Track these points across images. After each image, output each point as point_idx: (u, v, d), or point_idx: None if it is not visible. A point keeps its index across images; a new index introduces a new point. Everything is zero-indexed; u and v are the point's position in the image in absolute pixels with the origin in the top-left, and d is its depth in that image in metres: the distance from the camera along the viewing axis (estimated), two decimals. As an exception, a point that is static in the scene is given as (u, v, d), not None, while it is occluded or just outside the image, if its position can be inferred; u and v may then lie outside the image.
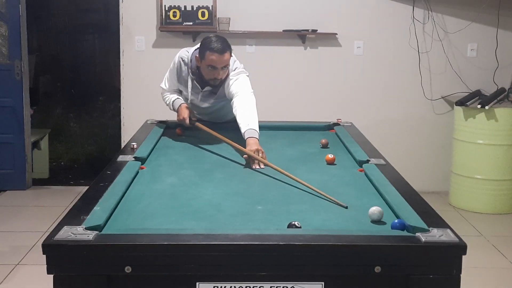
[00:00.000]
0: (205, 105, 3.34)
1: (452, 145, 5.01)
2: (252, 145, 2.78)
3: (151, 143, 2.98)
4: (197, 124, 3.25)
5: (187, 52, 3.29)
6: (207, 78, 3.15)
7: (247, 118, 3.00)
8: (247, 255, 1.67)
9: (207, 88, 3.25)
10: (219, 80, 3.15)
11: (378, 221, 1.93)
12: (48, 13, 8.10)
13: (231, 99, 3.17)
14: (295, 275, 1.69)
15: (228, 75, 3.20)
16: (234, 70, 3.23)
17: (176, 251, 1.66)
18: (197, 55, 3.13)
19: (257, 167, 2.66)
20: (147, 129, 3.36)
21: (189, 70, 3.24)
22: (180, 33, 5.04)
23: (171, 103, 3.39)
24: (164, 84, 3.46)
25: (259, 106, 5.23)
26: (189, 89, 3.29)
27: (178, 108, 3.31)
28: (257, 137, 2.87)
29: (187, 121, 3.24)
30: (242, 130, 2.92)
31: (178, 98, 3.36)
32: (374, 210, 1.94)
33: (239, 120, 3.01)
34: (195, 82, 3.26)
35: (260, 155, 2.71)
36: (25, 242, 3.93)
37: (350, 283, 1.72)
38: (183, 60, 3.28)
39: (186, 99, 3.37)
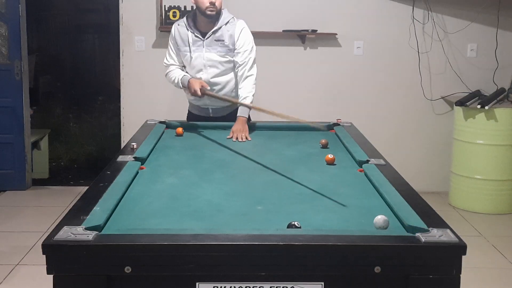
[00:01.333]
0: (213, 57, 3.52)
1: (452, 145, 5.01)
2: (237, 124, 3.36)
3: (151, 143, 2.98)
4: (208, 92, 3.45)
5: (178, 21, 3.62)
6: (204, 9, 3.41)
7: (243, 93, 3.53)
8: (247, 255, 1.67)
9: (209, 35, 3.48)
10: (216, 8, 3.42)
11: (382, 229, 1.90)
12: (48, 13, 8.11)
13: (237, 63, 3.57)
14: (295, 275, 1.69)
15: (223, 15, 3.53)
16: (231, 18, 3.58)
17: (176, 251, 1.66)
18: None
19: (237, 140, 3.23)
20: (147, 129, 3.35)
21: (188, 28, 3.52)
22: (180, 33, 5.04)
23: (178, 81, 3.55)
24: (167, 59, 3.65)
25: (258, 106, 5.23)
26: (191, 47, 3.51)
27: (187, 83, 3.47)
28: (246, 116, 3.43)
29: (199, 92, 3.40)
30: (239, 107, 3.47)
31: (185, 74, 3.54)
32: (379, 218, 1.87)
33: (239, 93, 3.54)
34: (195, 34, 3.51)
35: (242, 134, 3.28)
36: (25, 242, 3.93)
37: (350, 283, 1.72)
38: (178, 25, 3.57)
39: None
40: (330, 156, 2.72)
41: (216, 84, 3.57)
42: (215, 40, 3.50)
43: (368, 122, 4.97)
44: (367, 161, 2.65)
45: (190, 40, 3.52)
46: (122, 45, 5.11)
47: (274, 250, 1.67)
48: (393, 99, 5.25)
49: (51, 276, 1.64)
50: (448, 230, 1.77)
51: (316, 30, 5.04)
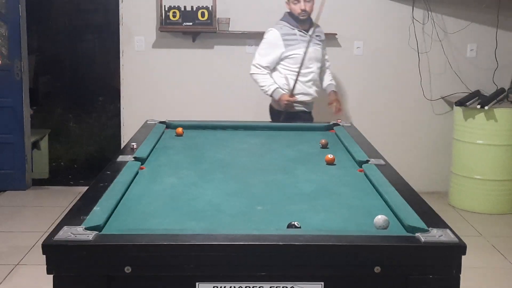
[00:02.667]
0: (317, 51, 4.03)
1: (452, 145, 5.01)
2: (334, 95, 4.22)
3: (151, 143, 2.98)
4: (295, 98, 3.96)
5: (274, 25, 4.00)
6: (297, 15, 3.89)
7: (329, 77, 4.31)
8: (246, 255, 1.67)
9: (311, 31, 3.98)
10: (307, 13, 3.91)
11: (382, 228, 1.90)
12: (48, 14, 8.10)
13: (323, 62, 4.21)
14: (295, 275, 1.69)
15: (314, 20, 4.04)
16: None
17: (176, 251, 1.66)
18: (286, 2, 3.98)
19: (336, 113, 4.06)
20: (147, 129, 3.35)
21: (292, 27, 3.94)
22: (180, 33, 5.05)
23: (270, 91, 3.95)
24: (261, 62, 3.96)
25: (258, 106, 5.25)
26: (301, 43, 3.92)
27: (279, 96, 3.93)
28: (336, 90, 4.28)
29: (292, 99, 3.91)
30: (325, 83, 4.26)
31: (277, 87, 3.94)
32: (379, 218, 1.87)
33: (325, 76, 4.28)
34: (301, 32, 3.95)
35: (336, 104, 4.13)
36: (25, 242, 3.93)
37: (350, 283, 1.72)
38: (280, 28, 3.95)
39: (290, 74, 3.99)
40: (330, 156, 2.73)
41: (316, 74, 4.07)
42: (315, 35, 4.01)
43: (368, 122, 4.97)
44: (367, 161, 2.65)
45: (299, 37, 3.93)
46: (122, 45, 5.11)
47: (274, 250, 1.67)
48: (392, 99, 5.25)
49: (51, 276, 1.64)
50: (448, 230, 1.77)
51: (316, 30, 5.03)
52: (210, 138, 3.29)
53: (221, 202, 2.16)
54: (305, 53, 3.91)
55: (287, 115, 3.98)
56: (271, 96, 3.99)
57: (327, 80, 4.29)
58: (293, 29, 3.94)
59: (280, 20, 4.02)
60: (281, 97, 3.93)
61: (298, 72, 3.93)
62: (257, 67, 3.97)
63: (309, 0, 3.91)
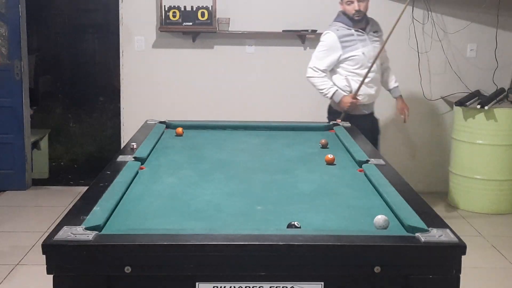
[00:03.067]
0: (376, 48, 3.88)
1: (452, 145, 5.01)
2: (402, 102, 4.21)
3: (151, 143, 2.98)
4: (358, 100, 3.86)
5: (329, 27, 3.92)
6: (352, 15, 3.81)
7: (393, 79, 4.23)
8: (246, 255, 1.67)
9: (368, 29, 3.90)
10: (362, 13, 3.82)
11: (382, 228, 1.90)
12: (48, 13, 8.11)
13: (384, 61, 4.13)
14: (295, 275, 1.69)
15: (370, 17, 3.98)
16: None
17: (176, 251, 1.66)
18: (339, 3, 3.88)
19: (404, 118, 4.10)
20: (147, 129, 3.35)
21: (349, 28, 3.84)
22: (180, 33, 5.05)
23: (330, 94, 3.87)
24: (316, 68, 3.89)
25: (258, 106, 5.26)
26: (360, 43, 3.83)
27: (341, 98, 3.84)
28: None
29: (355, 100, 3.81)
30: (391, 86, 4.22)
31: (337, 89, 3.85)
32: (379, 218, 1.87)
33: (389, 78, 4.22)
34: (359, 31, 3.86)
35: (406, 112, 4.14)
36: (25, 242, 3.93)
37: (350, 283, 1.72)
38: (337, 30, 3.85)
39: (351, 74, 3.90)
40: (330, 156, 2.73)
41: (378, 73, 3.95)
42: (373, 31, 3.93)
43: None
44: (367, 161, 2.65)
45: (356, 38, 3.84)
46: (122, 45, 5.12)
47: (274, 250, 1.67)
48: (392, 99, 5.24)
49: (51, 276, 1.64)
50: (448, 230, 1.77)
51: (316, 30, 5.04)
52: (210, 138, 3.29)
53: (221, 202, 2.16)
54: (366, 52, 3.85)
55: (346, 116, 3.83)
56: (331, 98, 3.90)
57: (392, 82, 4.21)
58: (350, 29, 3.85)
59: (335, 21, 3.93)
60: (343, 99, 3.84)
61: (367, 74, 3.83)
62: (314, 70, 3.90)
63: (362, 0, 3.83)
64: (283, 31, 5.05)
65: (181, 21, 4.94)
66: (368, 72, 3.81)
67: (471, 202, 4.83)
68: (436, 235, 1.73)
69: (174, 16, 4.93)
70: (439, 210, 4.56)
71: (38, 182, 5.38)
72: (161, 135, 3.27)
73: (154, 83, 5.15)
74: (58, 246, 1.65)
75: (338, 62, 3.87)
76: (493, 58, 5.13)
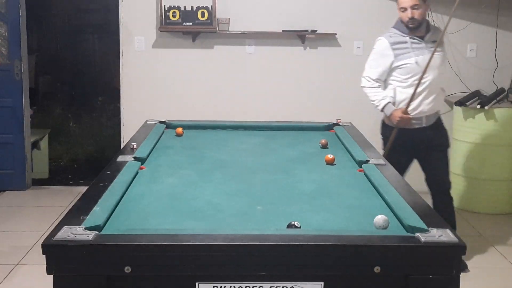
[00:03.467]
0: (433, 58, 3.48)
1: (451, 145, 5.00)
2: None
3: (151, 143, 2.98)
4: (409, 116, 3.52)
5: (383, 34, 3.66)
6: (406, 23, 3.52)
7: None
8: (246, 255, 1.67)
9: (428, 37, 3.56)
10: (416, 21, 3.49)
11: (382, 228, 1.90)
12: (48, 14, 8.11)
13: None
14: (295, 275, 1.70)
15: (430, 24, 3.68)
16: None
17: (176, 251, 1.66)
18: (398, 9, 3.59)
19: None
20: (147, 129, 3.36)
21: (403, 35, 3.55)
22: (180, 33, 5.05)
23: (381, 106, 3.59)
24: (369, 78, 3.62)
25: (258, 106, 5.25)
26: (414, 51, 3.52)
27: (391, 112, 3.54)
28: None
29: (405, 116, 3.49)
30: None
31: (389, 102, 3.56)
32: (379, 218, 1.87)
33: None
34: (414, 38, 3.54)
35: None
36: (25, 242, 3.93)
37: (350, 283, 1.73)
38: (390, 37, 3.58)
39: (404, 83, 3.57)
40: (330, 156, 2.73)
41: (435, 85, 3.59)
42: (432, 41, 3.55)
43: (368, 122, 4.96)
44: (367, 161, 2.65)
45: (410, 45, 3.53)
46: (122, 45, 5.12)
47: (274, 250, 1.67)
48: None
49: (51, 276, 1.65)
50: (448, 230, 1.77)
51: (316, 30, 5.04)
52: (210, 138, 3.29)
53: (221, 202, 2.16)
54: (420, 61, 3.50)
55: (400, 131, 3.57)
56: (382, 111, 3.64)
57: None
58: (404, 36, 3.55)
59: (392, 27, 3.66)
60: (393, 112, 3.53)
61: (418, 84, 3.48)
62: (367, 80, 3.63)
63: (417, 7, 3.47)
64: (283, 31, 5.05)
65: (181, 21, 4.94)
66: (419, 82, 3.47)
67: (471, 202, 4.83)
68: (436, 235, 1.74)
69: (174, 16, 4.93)
70: (439, 210, 4.55)
71: (38, 182, 5.38)
72: (161, 135, 3.27)
73: (154, 83, 5.15)
74: (58, 246, 1.65)
75: (390, 71, 3.58)
76: (493, 58, 5.13)
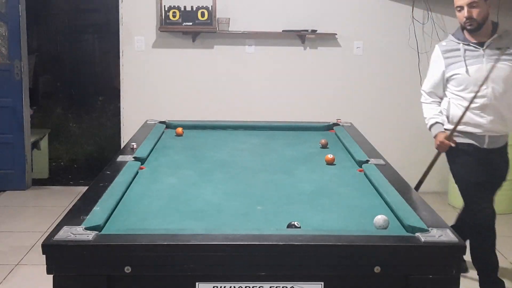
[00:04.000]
0: (502, 68, 3.04)
1: (452, 145, 5.01)
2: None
3: (151, 143, 2.98)
4: (450, 143, 3.13)
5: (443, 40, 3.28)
6: (463, 24, 3.09)
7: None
8: (246, 255, 1.68)
9: (488, 43, 3.05)
10: (475, 21, 3.01)
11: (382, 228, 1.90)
12: (48, 14, 8.12)
13: None
14: (295, 275, 1.70)
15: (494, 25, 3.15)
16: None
17: (176, 251, 1.66)
18: (455, 9, 3.13)
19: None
20: (147, 129, 3.36)
21: (458, 41, 3.11)
22: (180, 33, 5.05)
23: (428, 125, 3.28)
24: (423, 91, 3.32)
25: (258, 106, 5.24)
26: (466, 60, 3.06)
27: (436, 134, 3.22)
28: None
29: (446, 142, 3.13)
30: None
31: (437, 122, 3.21)
32: (379, 218, 1.88)
33: None
34: (470, 45, 3.08)
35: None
36: (25, 242, 3.93)
37: (350, 283, 1.73)
38: (443, 44, 3.19)
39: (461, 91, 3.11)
40: (330, 156, 2.73)
41: (501, 100, 3.07)
42: (497, 48, 3.05)
43: (367, 122, 4.97)
44: (367, 161, 2.65)
45: (463, 53, 3.07)
46: (122, 45, 5.12)
47: (274, 250, 1.67)
48: (392, 99, 5.25)
49: (51, 276, 1.65)
50: (448, 230, 1.78)
51: (316, 30, 5.04)
52: (210, 138, 3.29)
53: (221, 202, 2.17)
54: (473, 71, 3.04)
55: (451, 148, 3.17)
56: (430, 130, 3.29)
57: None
58: (458, 43, 3.10)
59: (450, 33, 3.24)
60: (437, 134, 3.18)
61: (473, 98, 3.03)
62: (422, 93, 3.32)
63: (475, 5, 2.99)
64: (283, 31, 5.06)
65: (181, 21, 4.94)
66: (475, 95, 3.02)
67: (471, 202, 4.82)
68: (436, 235, 1.74)
69: (174, 16, 4.93)
70: (439, 210, 4.53)
71: (38, 182, 5.38)
72: (161, 135, 3.28)
73: (154, 83, 5.15)
74: (58, 246, 1.65)
75: (446, 82, 3.17)
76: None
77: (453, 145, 3.11)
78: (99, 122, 7.50)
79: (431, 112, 3.25)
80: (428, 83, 3.26)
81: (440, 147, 3.19)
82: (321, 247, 1.69)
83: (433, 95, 3.25)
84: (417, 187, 3.32)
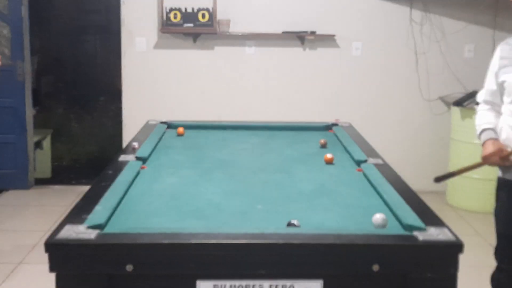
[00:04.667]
0: None
1: (449, 145, 5.03)
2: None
3: (152, 143, 3.00)
4: (497, 156, 2.52)
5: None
6: None
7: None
8: (246, 254, 1.69)
9: None
10: None
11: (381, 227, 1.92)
12: (50, 15, 8.12)
13: None
14: (294, 273, 1.71)
15: None
16: None
17: (177, 249, 1.68)
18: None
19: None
20: (148, 129, 3.37)
21: None
22: (181, 34, 5.07)
23: (478, 132, 2.66)
24: (478, 97, 2.72)
25: (258, 107, 5.27)
26: None
27: (484, 143, 2.59)
28: None
29: (496, 154, 2.51)
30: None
31: (487, 129, 2.59)
32: (378, 217, 1.88)
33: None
34: None
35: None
36: (28, 241, 3.95)
37: (349, 281, 1.74)
38: (505, 43, 2.59)
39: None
40: (329, 155, 2.74)
41: None
42: None
43: (366, 122, 4.99)
44: (366, 161, 2.67)
45: None
46: (123, 46, 5.14)
47: (274, 248, 1.69)
48: (391, 99, 5.27)
49: (54, 274, 1.66)
50: (446, 229, 1.78)
51: (315, 32, 5.06)
52: (210, 138, 3.31)
53: (221, 201, 2.18)
54: None
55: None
56: (479, 139, 2.67)
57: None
58: None
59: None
60: (486, 142, 2.56)
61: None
62: (478, 100, 2.73)
63: None
64: (282, 32, 5.08)
65: (182, 23, 4.96)
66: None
67: (469, 201, 4.85)
68: (434, 234, 1.75)
69: (175, 18, 4.95)
70: (437, 209, 4.54)
71: (40, 182, 5.40)
72: (162, 135, 3.29)
73: (155, 83, 5.17)
74: (60, 244, 1.66)
75: (502, 89, 2.55)
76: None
77: (507, 164, 2.52)
78: (101, 122, 7.51)
79: (481, 119, 2.65)
80: (483, 90, 2.68)
81: (487, 159, 2.55)
82: (320, 246, 1.70)
83: (486, 103, 2.65)
84: (438, 179, 2.76)
